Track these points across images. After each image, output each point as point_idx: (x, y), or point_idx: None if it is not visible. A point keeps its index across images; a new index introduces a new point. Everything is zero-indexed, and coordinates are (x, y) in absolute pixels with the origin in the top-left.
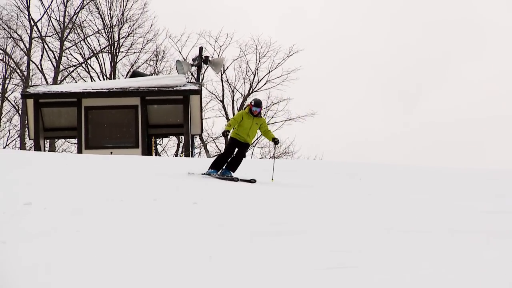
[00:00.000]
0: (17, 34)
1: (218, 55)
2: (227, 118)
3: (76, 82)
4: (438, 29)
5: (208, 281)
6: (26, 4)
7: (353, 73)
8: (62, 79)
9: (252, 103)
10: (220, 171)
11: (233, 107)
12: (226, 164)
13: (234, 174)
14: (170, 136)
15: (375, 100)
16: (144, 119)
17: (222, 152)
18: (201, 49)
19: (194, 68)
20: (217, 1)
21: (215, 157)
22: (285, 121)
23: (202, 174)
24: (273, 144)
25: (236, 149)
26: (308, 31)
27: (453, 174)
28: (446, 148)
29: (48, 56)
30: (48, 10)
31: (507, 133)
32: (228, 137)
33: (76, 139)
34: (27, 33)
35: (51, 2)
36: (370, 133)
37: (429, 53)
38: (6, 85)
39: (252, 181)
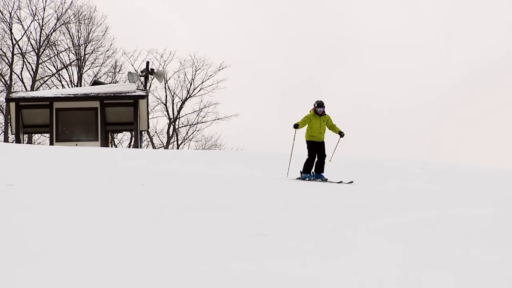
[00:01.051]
0: (2, 51)
1: (163, 68)
2: (169, 118)
3: (50, 89)
4: (326, 49)
5: (149, 243)
6: (9, 27)
7: (260, 82)
8: (38, 86)
9: (316, 105)
10: (313, 175)
11: (173, 109)
12: (314, 167)
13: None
14: (123, 132)
15: (277, 103)
16: (102, 118)
17: (307, 157)
18: (147, 63)
19: (143, 78)
20: (158, 24)
21: (305, 163)
22: (213, 120)
23: (297, 178)
24: (338, 136)
25: (317, 150)
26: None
27: (346, 160)
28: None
29: (27, 68)
30: (27, 32)
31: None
32: (296, 130)
33: (49, 134)
34: (10, 50)
35: (30, 25)
36: (275, 127)
37: (315, 68)
38: None
39: (351, 182)
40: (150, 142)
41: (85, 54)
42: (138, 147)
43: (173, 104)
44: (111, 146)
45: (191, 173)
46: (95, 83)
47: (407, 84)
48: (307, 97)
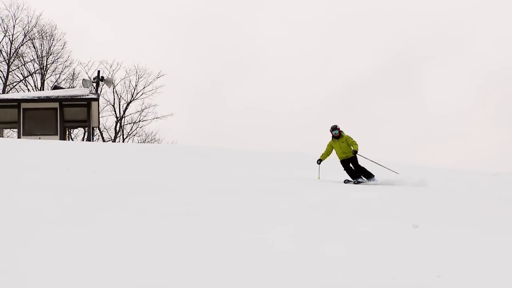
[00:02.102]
0: None
1: (111, 75)
2: (116, 117)
3: (18, 92)
4: (231, 59)
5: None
6: None
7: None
8: (8, 90)
9: (331, 130)
10: (364, 179)
11: (119, 109)
12: (360, 174)
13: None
14: (78, 128)
15: (194, 103)
16: (61, 116)
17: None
18: (98, 72)
19: (95, 84)
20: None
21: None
22: (153, 119)
23: (355, 183)
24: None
25: (350, 164)
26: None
27: (256, 153)
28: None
29: None
30: None
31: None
32: (319, 165)
33: (17, 129)
34: None
35: (2, 40)
36: (198, 123)
37: (221, 74)
38: None
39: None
40: (100, 137)
41: (47, 64)
42: (90, 141)
43: (119, 105)
44: (68, 140)
45: (135, 161)
46: (56, 87)
47: (295, 90)
48: (215, 99)
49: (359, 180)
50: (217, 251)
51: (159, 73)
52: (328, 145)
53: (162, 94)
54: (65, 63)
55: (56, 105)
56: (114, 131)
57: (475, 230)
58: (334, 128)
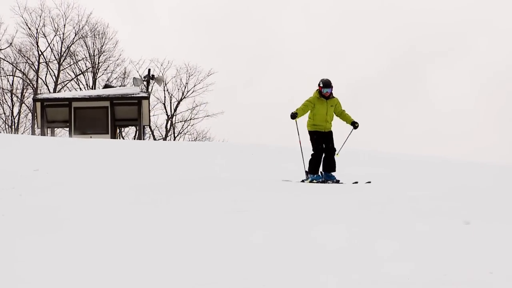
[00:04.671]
0: (30, 60)
1: (162, 74)
2: (167, 115)
3: (69, 91)
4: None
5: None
6: (36, 41)
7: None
8: (59, 89)
9: (321, 85)
10: (321, 175)
11: (170, 108)
12: (322, 165)
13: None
14: (129, 126)
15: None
16: (112, 115)
17: (312, 153)
18: (149, 70)
19: (145, 82)
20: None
21: (310, 160)
22: (204, 117)
23: (302, 181)
24: (352, 128)
25: (324, 143)
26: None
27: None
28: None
29: (50, 74)
30: (50, 44)
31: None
32: (296, 120)
33: (68, 128)
34: (36, 60)
35: (53, 39)
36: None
37: (246, 70)
38: (23, 94)
39: (369, 182)
40: (151, 135)
41: (98, 63)
42: (141, 139)
43: (170, 103)
44: (119, 138)
45: (185, 160)
46: (106, 86)
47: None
48: (244, 94)
49: (311, 178)
50: (270, 249)
51: (209, 71)
52: (308, 101)
53: (212, 92)
54: (117, 61)
55: (107, 103)
56: (165, 130)
57: None
58: (328, 84)
